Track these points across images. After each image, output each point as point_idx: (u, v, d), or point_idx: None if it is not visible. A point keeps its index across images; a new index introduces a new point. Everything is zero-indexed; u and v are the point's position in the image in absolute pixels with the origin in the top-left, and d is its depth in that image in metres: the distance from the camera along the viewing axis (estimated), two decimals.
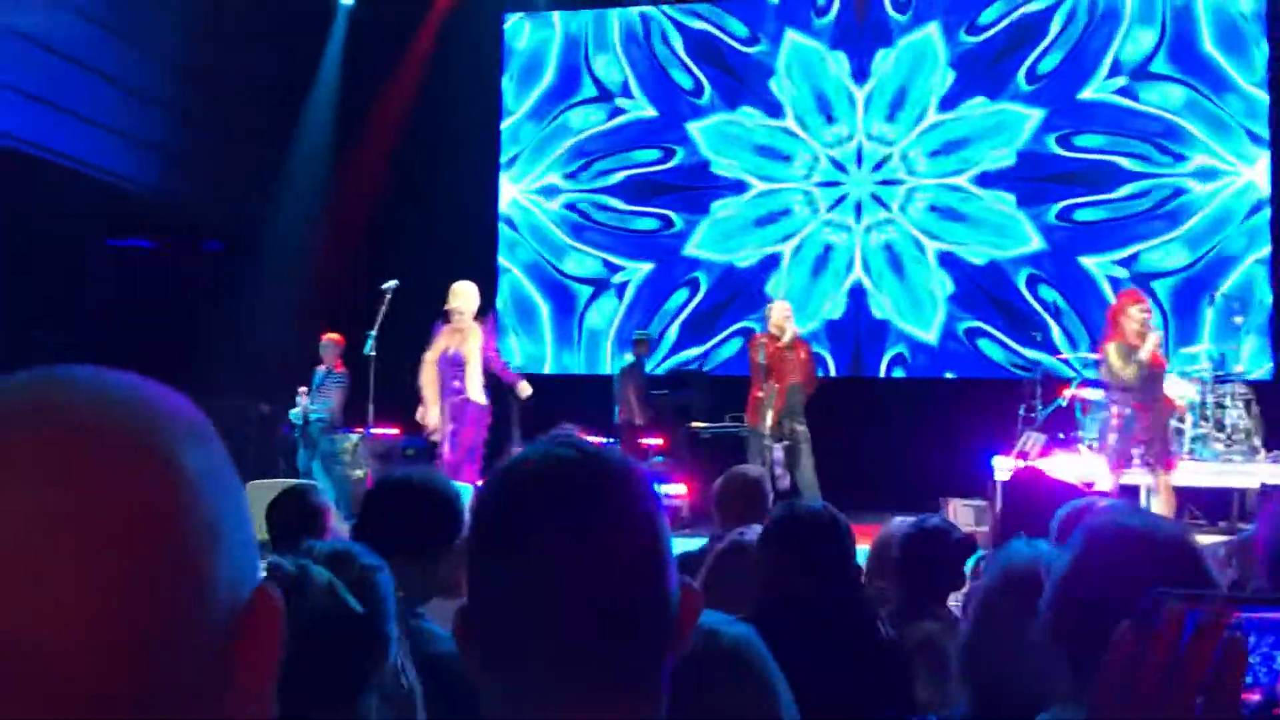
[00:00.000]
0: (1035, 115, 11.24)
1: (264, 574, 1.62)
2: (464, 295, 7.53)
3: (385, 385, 8.02)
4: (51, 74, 8.89)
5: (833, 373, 11.06)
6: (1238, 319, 9.49)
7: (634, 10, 12.08)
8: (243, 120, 10.81)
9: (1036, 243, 11.21)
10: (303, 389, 9.09)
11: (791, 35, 11.81)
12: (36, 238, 8.51)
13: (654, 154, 11.99)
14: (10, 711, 0.48)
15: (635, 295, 11.95)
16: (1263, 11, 10.67)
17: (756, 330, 9.29)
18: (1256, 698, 0.74)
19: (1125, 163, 10.99)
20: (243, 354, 9.98)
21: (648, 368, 10.47)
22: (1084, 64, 11.18)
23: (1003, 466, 8.86)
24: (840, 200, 11.65)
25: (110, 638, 0.49)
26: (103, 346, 8.37)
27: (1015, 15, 11.33)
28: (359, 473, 8.76)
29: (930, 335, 11.38)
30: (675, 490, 9.36)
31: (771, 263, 11.69)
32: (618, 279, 12.00)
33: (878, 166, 11.59)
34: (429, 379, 7.52)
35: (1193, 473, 8.23)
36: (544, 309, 12.15)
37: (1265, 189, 10.62)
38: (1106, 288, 10.81)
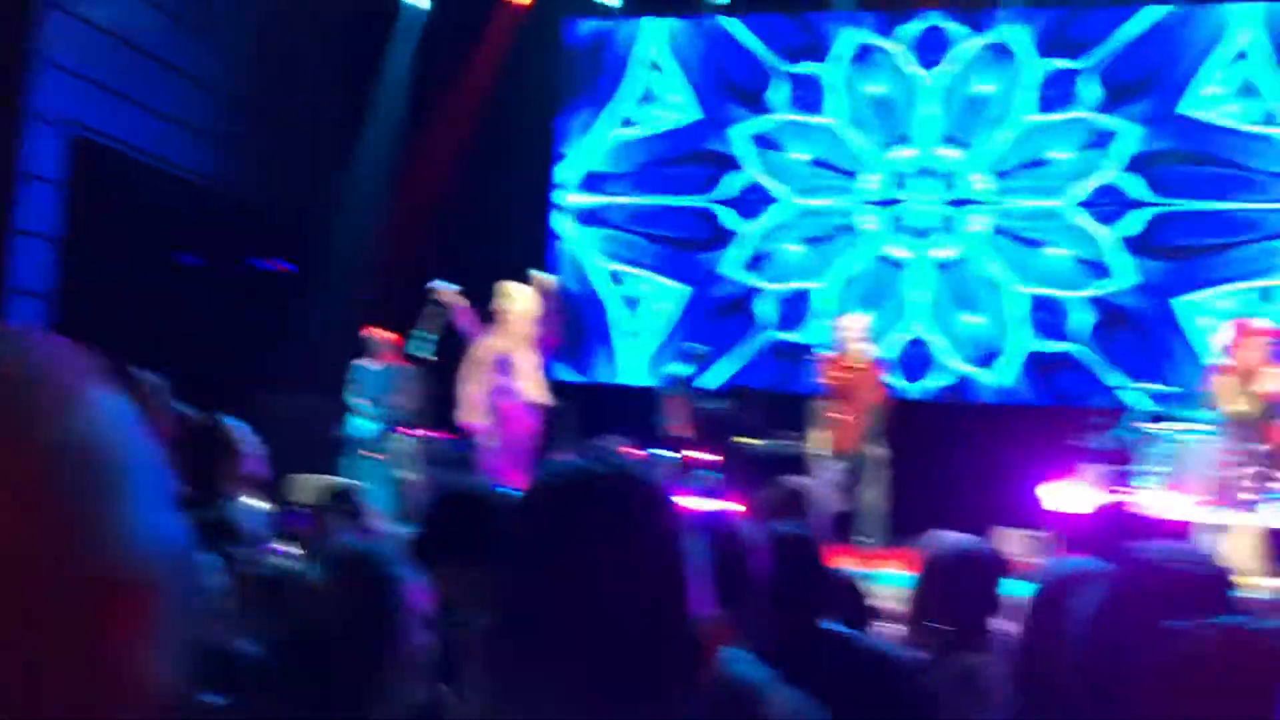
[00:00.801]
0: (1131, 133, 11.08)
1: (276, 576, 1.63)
2: (514, 295, 7.53)
3: (431, 388, 8.05)
4: (124, 66, 9.07)
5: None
6: None
7: (704, 18, 12.03)
8: (308, 109, 10.97)
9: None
10: (353, 385, 9.11)
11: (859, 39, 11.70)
12: (115, 231, 8.69)
13: (709, 166, 11.93)
14: None
15: (688, 308, 11.91)
16: None
17: (826, 349, 9.17)
18: None
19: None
20: (296, 349, 10.09)
21: (700, 382, 10.42)
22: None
23: (1066, 497, 8.69)
24: (903, 219, 11.53)
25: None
26: (181, 336, 8.50)
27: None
28: (411, 475, 8.77)
29: (988, 364, 11.23)
30: (728, 507, 9.28)
31: (827, 277, 11.59)
32: (668, 290, 11.96)
33: (949, 185, 11.47)
34: (473, 379, 7.51)
35: None
36: (595, 317, 12.13)
37: None
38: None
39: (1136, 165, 10.98)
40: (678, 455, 9.79)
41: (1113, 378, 10.58)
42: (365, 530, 3.16)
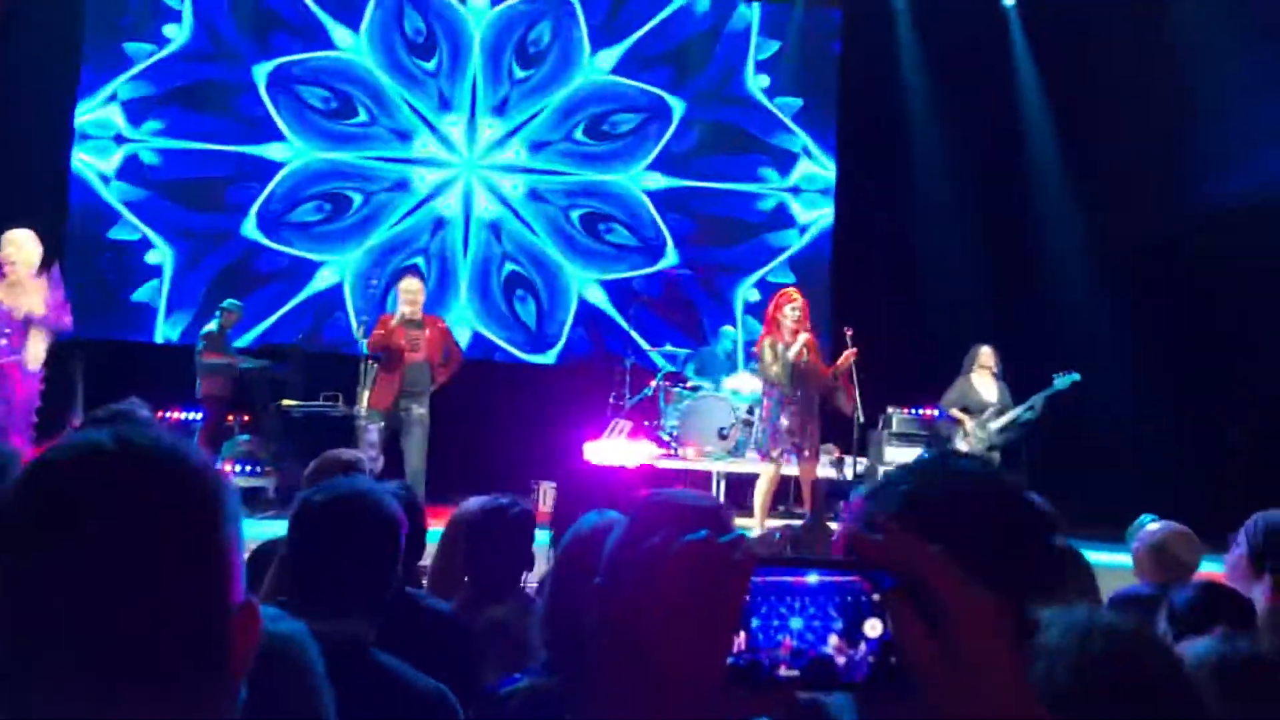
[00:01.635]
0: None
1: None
2: (19, 244, 6.73)
3: None
4: None
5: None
6: None
7: None
8: None
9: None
10: None
11: None
12: None
13: (236, 111, 11.33)
14: None
15: (215, 262, 11.24)
16: None
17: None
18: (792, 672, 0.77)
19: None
20: None
21: (236, 340, 9.92)
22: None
23: (592, 451, 9.26)
24: (447, 183, 11.62)
25: None
26: None
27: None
28: None
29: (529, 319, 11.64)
30: (262, 470, 8.93)
31: (375, 242, 11.45)
32: (200, 242, 11.24)
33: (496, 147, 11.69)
34: None
35: (757, 462, 8.93)
36: (119, 268, 11.11)
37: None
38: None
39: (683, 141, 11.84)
40: (211, 417, 9.26)
41: (643, 340, 11.36)
42: None
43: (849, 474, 8.67)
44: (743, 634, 0.77)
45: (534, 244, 11.68)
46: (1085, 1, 10.79)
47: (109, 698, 0.81)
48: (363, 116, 11.55)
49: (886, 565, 0.77)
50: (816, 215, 11.95)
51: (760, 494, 7.86)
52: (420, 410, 7.96)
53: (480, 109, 11.72)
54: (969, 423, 8.32)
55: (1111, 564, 4.37)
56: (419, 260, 11.42)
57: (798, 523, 7.52)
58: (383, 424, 7.91)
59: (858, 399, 7.90)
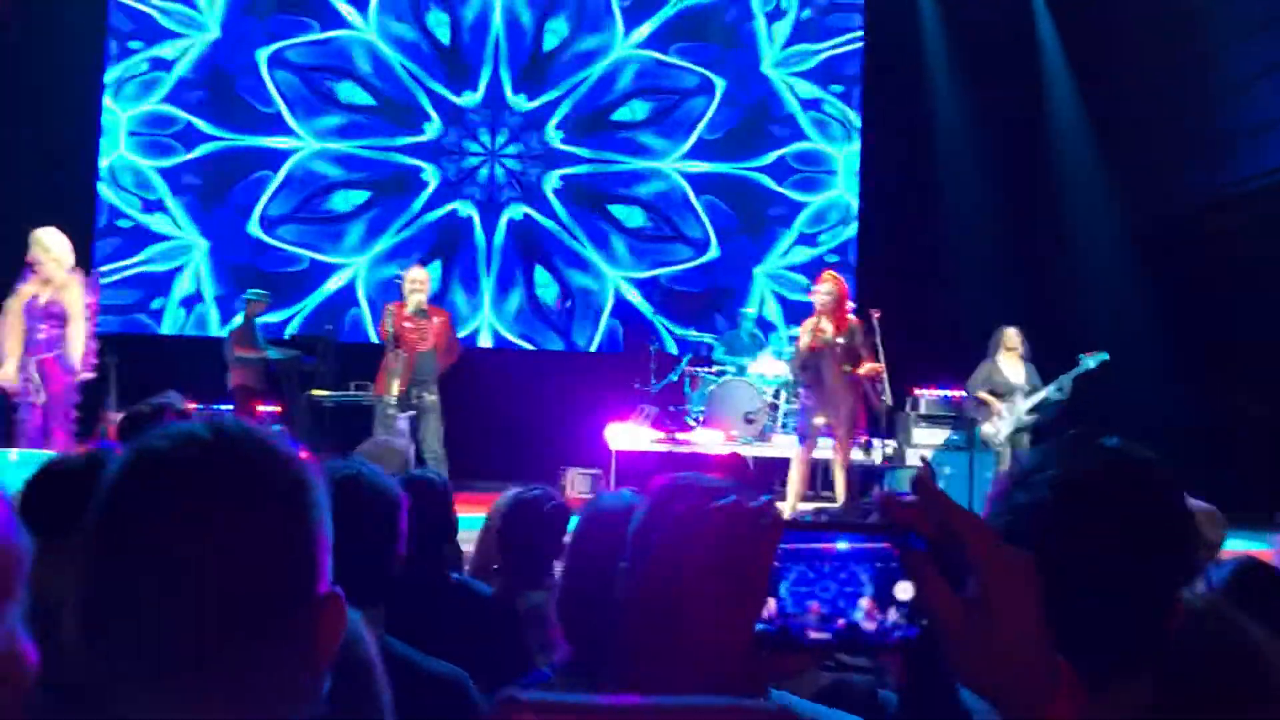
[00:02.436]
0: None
1: None
2: (50, 244, 6.81)
3: None
4: None
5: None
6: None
7: None
8: None
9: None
10: None
11: None
12: None
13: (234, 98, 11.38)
14: None
15: (229, 257, 11.33)
16: None
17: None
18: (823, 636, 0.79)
19: None
20: None
21: (267, 330, 10.01)
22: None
23: (616, 435, 9.29)
24: (472, 173, 11.63)
25: None
26: None
27: None
28: None
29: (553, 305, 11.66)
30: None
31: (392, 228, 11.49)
32: (222, 237, 11.32)
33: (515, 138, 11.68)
34: (11, 328, 6.74)
35: (785, 445, 8.94)
36: (145, 262, 11.20)
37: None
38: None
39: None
40: (241, 409, 9.35)
41: (670, 324, 11.36)
42: None
43: (877, 458, 8.65)
44: (771, 600, 0.79)
45: (562, 236, 11.67)
46: None
47: (202, 687, 0.83)
48: (373, 101, 11.50)
49: (917, 527, 0.77)
50: (839, 196, 11.91)
51: (791, 478, 7.85)
52: (432, 397, 8.05)
53: (503, 93, 11.68)
54: (998, 404, 8.29)
55: None
56: (438, 255, 11.44)
57: (834, 506, 7.51)
58: (412, 413, 7.98)
59: (883, 397, 7.87)
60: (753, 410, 9.49)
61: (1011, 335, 8.39)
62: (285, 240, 11.32)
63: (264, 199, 11.30)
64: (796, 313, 10.74)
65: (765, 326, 11.27)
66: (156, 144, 11.23)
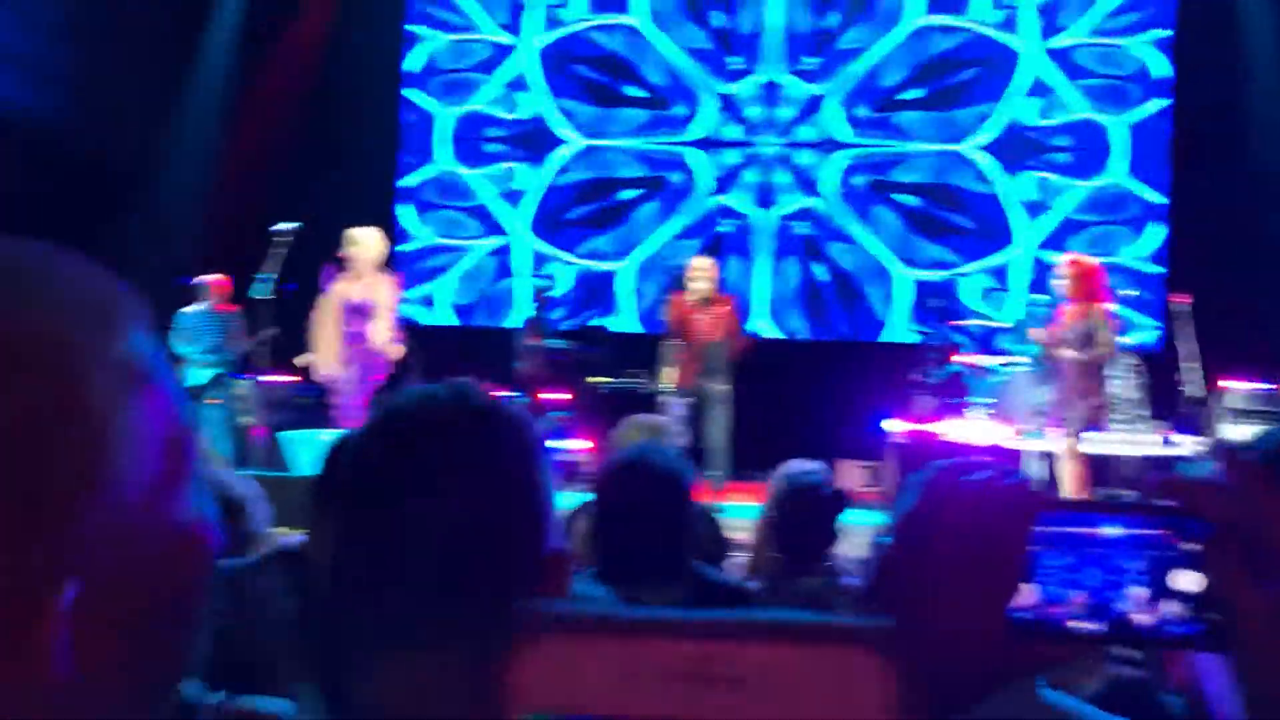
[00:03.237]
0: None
1: None
2: (364, 242, 7.36)
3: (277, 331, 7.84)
4: None
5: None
6: (1132, 291, 9.76)
7: None
8: (140, 47, 10.40)
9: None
10: (183, 334, 8.82)
11: None
12: None
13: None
14: None
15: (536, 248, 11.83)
16: None
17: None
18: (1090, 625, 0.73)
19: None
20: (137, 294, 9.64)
21: (552, 322, 10.43)
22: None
23: (896, 429, 9.06)
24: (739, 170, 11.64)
25: None
26: None
27: None
28: (249, 420, 8.55)
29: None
30: (578, 446, 9.34)
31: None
32: (515, 232, 11.86)
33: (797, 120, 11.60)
34: (323, 323, 7.35)
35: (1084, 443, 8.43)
36: (446, 259, 11.94)
37: None
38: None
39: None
40: (529, 396, 9.79)
41: (951, 314, 10.96)
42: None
43: (1178, 452, 8.02)
44: (1030, 587, 0.73)
45: (847, 231, 11.47)
46: None
47: (444, 647, 0.84)
48: (641, 93, 11.65)
49: (1207, 511, 0.69)
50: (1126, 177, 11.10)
51: (1061, 474, 7.45)
52: (721, 387, 8.04)
53: (777, 74, 11.59)
54: None
55: None
56: (715, 246, 11.53)
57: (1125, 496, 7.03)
58: (686, 400, 8.07)
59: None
60: (1043, 403, 9.00)
61: None
62: (565, 233, 11.75)
63: (534, 201, 11.78)
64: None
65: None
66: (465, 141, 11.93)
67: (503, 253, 11.83)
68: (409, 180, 11.91)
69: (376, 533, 0.85)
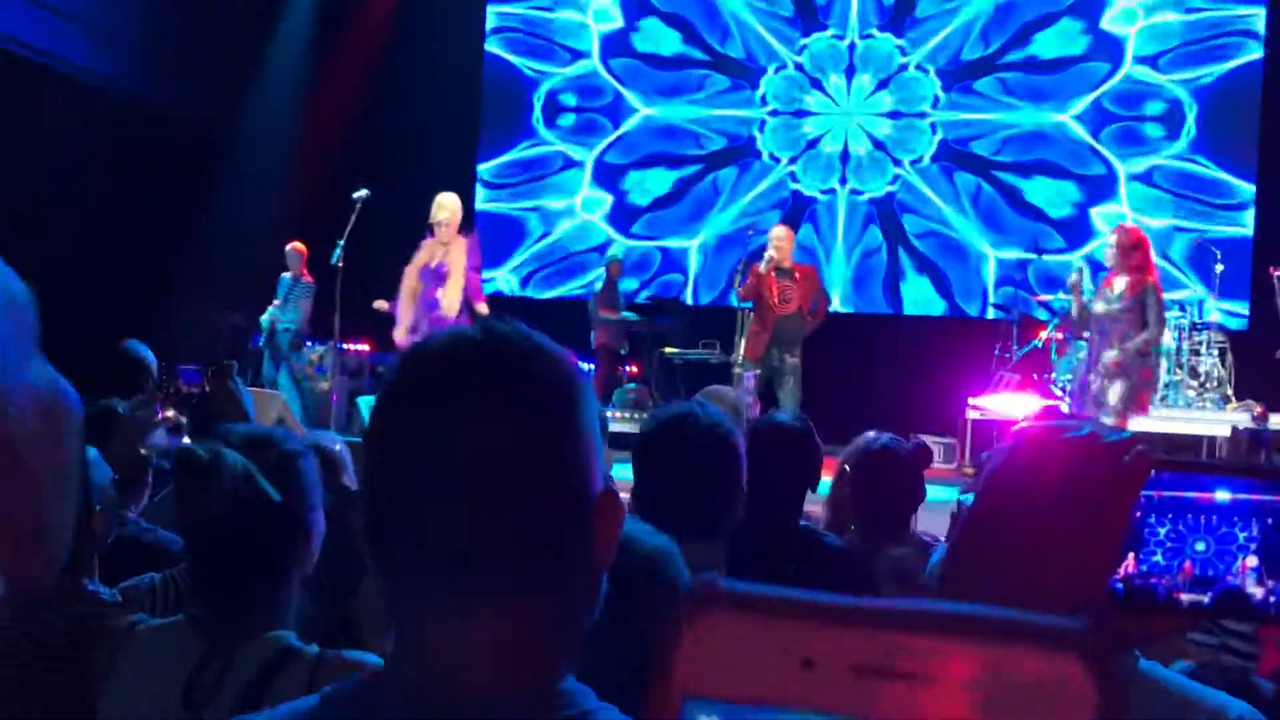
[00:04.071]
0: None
1: (178, 459, 1.61)
2: (448, 207, 7.36)
3: (356, 299, 7.91)
4: None
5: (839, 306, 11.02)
6: (1219, 266, 9.46)
7: None
8: (220, 14, 10.56)
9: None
10: (276, 301, 9.03)
11: None
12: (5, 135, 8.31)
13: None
14: None
15: (609, 219, 11.81)
16: None
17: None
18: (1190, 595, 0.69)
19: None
20: (215, 262, 9.85)
21: (622, 289, 10.43)
22: None
23: (974, 403, 8.90)
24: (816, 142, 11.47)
25: None
26: (76, 250, 8.20)
27: None
28: (325, 385, 8.70)
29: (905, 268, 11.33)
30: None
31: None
32: (593, 202, 11.85)
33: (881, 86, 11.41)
34: (407, 291, 7.35)
35: (1164, 419, 8.24)
36: (522, 228, 11.99)
37: None
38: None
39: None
40: (602, 367, 9.82)
41: (1036, 289, 10.74)
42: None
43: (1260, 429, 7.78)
44: (1132, 555, 0.68)
45: (933, 209, 11.25)
46: None
47: (482, 591, 0.83)
48: (708, 57, 11.48)
49: None
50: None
51: None
52: (793, 360, 7.95)
53: (860, 35, 11.38)
54: None
55: None
56: (792, 216, 11.40)
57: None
58: (758, 371, 8.00)
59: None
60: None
61: None
62: (632, 204, 11.72)
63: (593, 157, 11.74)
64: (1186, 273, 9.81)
65: None
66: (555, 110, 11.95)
67: (573, 221, 11.83)
68: (487, 150, 11.97)
69: (410, 475, 0.84)
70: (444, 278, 7.23)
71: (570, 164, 11.86)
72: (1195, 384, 8.67)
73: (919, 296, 11.27)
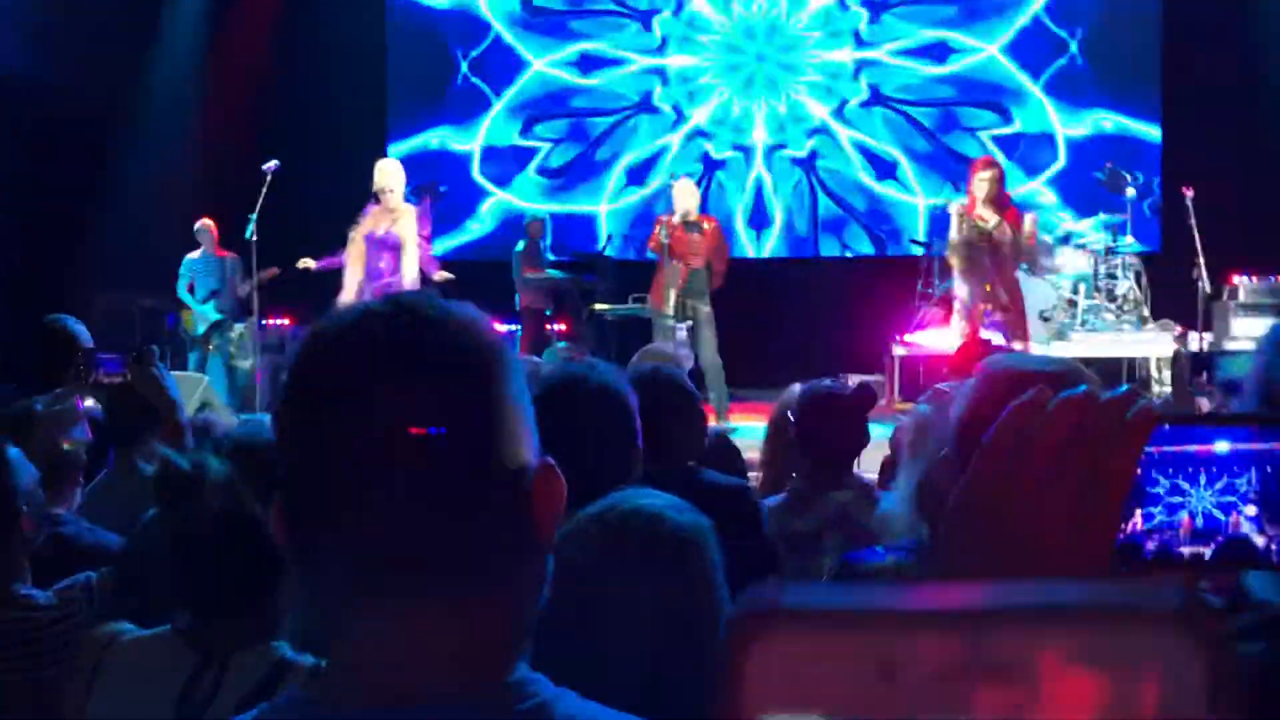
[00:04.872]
0: None
1: (160, 472, 1.53)
2: (391, 174, 7.20)
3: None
4: None
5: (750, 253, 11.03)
6: (1130, 190, 9.64)
7: None
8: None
9: None
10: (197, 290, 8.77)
11: None
12: None
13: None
14: None
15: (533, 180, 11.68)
16: None
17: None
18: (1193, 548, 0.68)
19: None
20: (120, 245, 9.55)
21: (547, 251, 10.35)
22: None
23: (907, 343, 9.02)
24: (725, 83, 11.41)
25: None
26: None
27: None
28: (247, 363, 8.52)
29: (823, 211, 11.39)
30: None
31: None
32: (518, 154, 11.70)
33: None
34: (353, 256, 7.18)
35: (1086, 344, 8.42)
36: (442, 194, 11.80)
37: None
38: None
39: None
40: (528, 329, 9.75)
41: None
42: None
43: (1193, 350, 8.00)
44: (1139, 511, 0.67)
45: (848, 145, 11.29)
46: None
47: (418, 585, 0.78)
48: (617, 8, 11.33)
49: None
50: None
51: None
52: (706, 309, 8.05)
53: None
54: None
55: None
56: (703, 170, 11.36)
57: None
58: (690, 323, 8.02)
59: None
60: (1048, 308, 8.95)
61: None
62: (545, 164, 11.60)
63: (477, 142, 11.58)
64: (1096, 199, 9.99)
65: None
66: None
67: (472, 184, 11.69)
68: (392, 116, 11.73)
69: (323, 472, 0.78)
70: (393, 247, 7.08)
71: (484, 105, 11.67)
72: (1113, 307, 8.86)
73: (839, 239, 11.34)
